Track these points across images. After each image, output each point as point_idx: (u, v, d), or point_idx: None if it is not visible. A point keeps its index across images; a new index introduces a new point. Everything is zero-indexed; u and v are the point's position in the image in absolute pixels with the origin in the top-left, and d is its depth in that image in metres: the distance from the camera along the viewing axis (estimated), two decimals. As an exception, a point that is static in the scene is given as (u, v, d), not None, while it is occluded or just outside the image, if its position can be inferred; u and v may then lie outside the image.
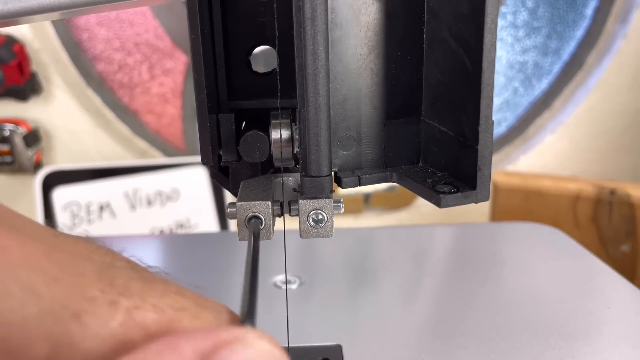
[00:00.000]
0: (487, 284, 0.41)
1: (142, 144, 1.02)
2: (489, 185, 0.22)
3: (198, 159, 0.92)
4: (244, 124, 0.27)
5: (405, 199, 1.07)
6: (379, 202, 1.07)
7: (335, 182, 0.24)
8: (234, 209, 0.24)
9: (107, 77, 1.02)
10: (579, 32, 1.01)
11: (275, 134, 0.25)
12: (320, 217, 0.24)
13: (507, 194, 0.88)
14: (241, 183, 0.26)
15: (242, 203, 0.24)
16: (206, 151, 0.23)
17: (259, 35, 0.26)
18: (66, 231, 0.19)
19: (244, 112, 0.26)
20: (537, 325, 0.36)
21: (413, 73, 0.24)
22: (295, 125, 0.25)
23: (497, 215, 0.89)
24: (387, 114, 0.24)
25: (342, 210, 0.25)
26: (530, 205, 0.87)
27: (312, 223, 0.24)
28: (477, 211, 1.02)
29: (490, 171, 0.21)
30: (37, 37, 0.95)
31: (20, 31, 0.94)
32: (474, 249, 0.48)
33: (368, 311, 0.38)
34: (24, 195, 1.00)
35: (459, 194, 0.21)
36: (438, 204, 0.21)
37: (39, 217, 0.88)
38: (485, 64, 0.20)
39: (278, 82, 0.25)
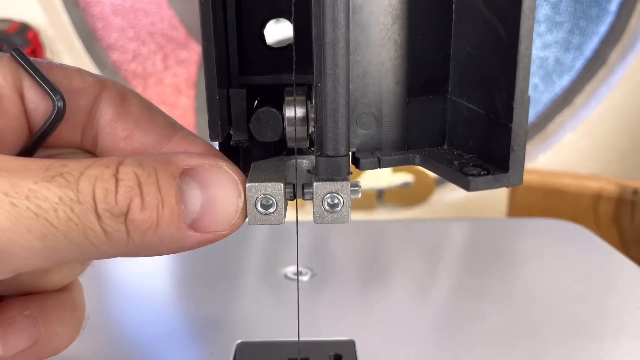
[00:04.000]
0: (509, 281, 0.39)
1: (154, 134, 1.01)
2: (523, 167, 0.20)
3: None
4: (255, 103, 0.25)
5: (420, 196, 1.05)
6: (392, 198, 1.05)
7: (352, 163, 0.23)
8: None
9: (121, 67, 1.01)
10: (603, 28, 0.99)
11: (289, 112, 0.23)
12: (336, 201, 0.22)
13: (525, 191, 0.86)
14: (252, 164, 0.24)
15: (253, 184, 0.22)
16: (215, 126, 0.22)
17: (273, 8, 0.25)
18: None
19: (256, 89, 0.25)
20: (563, 324, 0.34)
21: (440, 46, 0.22)
22: (311, 103, 0.23)
23: (515, 213, 0.87)
24: (411, 90, 0.22)
25: (360, 194, 0.23)
26: (549, 203, 0.84)
27: (326, 207, 0.22)
28: (493, 209, 1.00)
29: (524, 152, 0.20)
30: (51, 25, 0.94)
31: (34, 19, 0.93)
32: (493, 244, 0.46)
33: (382, 306, 0.36)
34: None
35: (490, 176, 0.19)
36: (467, 186, 0.19)
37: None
38: (523, 32, 0.18)
39: (293, 54, 0.23)
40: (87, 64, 0.97)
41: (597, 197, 0.82)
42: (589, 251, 0.44)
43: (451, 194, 1.05)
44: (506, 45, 0.19)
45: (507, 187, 0.20)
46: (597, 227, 0.80)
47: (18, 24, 0.92)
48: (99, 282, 0.39)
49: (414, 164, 0.22)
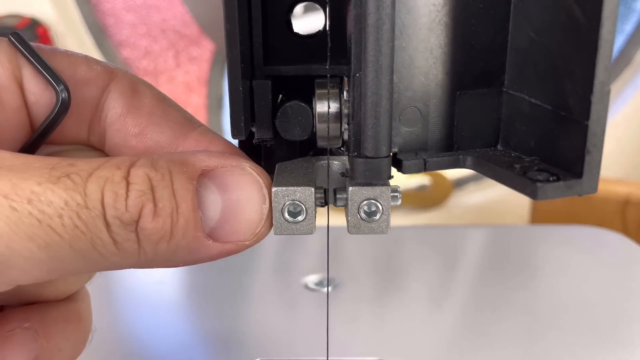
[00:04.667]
0: (545, 293, 0.36)
1: (165, 132, 0.99)
2: (599, 173, 0.17)
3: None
4: (280, 97, 0.23)
5: (437, 199, 1.01)
6: (408, 201, 1.02)
7: (393, 165, 0.20)
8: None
9: (132, 64, 0.99)
10: (628, 27, 0.95)
11: (321, 107, 0.20)
12: (373, 208, 0.19)
13: (549, 196, 0.83)
14: (277, 166, 0.22)
15: (280, 188, 0.19)
16: (237, 122, 0.19)
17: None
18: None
19: (282, 81, 0.22)
20: (616, 342, 0.31)
21: (497, 32, 0.19)
22: (344, 97, 0.20)
23: (538, 219, 0.83)
24: (462, 82, 0.19)
25: (400, 201, 0.20)
26: (574, 209, 0.81)
27: (363, 216, 0.20)
28: (514, 214, 0.97)
29: (601, 155, 0.17)
30: (61, 20, 0.93)
31: (44, 14, 0.92)
32: (522, 252, 0.43)
33: (407, 321, 0.34)
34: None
35: (561, 182, 0.17)
36: (534, 195, 0.17)
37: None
38: (605, 12, 0.15)
39: (328, 39, 0.20)
40: (97, 61, 0.95)
41: (625, 203, 0.79)
42: (631, 260, 0.41)
43: (469, 198, 1.01)
44: (583, 30, 0.16)
45: (579, 195, 0.17)
46: (625, 234, 0.76)
47: (28, 19, 0.90)
48: (106, 291, 0.36)
49: (464, 166, 0.20)
